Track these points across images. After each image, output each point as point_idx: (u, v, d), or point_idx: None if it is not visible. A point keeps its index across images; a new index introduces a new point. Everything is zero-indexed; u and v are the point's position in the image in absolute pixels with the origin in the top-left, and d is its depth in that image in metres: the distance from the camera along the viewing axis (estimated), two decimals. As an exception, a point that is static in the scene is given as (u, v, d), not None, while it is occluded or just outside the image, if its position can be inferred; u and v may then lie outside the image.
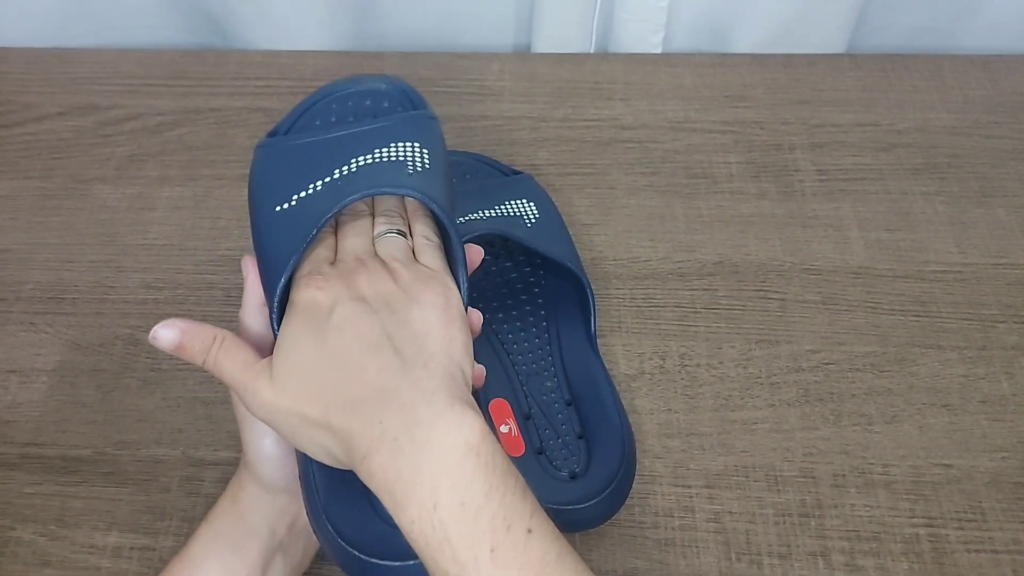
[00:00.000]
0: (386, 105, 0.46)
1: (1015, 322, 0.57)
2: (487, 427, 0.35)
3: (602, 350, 0.55)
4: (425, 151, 0.42)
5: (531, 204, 0.57)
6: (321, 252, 0.40)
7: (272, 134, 0.45)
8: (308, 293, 0.38)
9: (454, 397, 0.35)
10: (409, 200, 0.43)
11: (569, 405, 0.52)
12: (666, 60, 0.73)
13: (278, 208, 0.40)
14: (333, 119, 0.45)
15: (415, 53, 0.74)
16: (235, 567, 0.42)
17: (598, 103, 0.70)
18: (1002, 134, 0.68)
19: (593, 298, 0.53)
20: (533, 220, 0.56)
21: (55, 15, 0.75)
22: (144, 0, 0.75)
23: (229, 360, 0.39)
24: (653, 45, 0.74)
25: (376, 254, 0.40)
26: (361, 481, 0.35)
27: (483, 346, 0.53)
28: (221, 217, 0.63)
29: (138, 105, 0.70)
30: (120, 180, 0.66)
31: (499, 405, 0.52)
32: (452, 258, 0.41)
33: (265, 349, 0.40)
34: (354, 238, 0.41)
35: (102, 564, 0.49)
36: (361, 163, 0.41)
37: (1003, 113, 0.69)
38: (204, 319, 0.58)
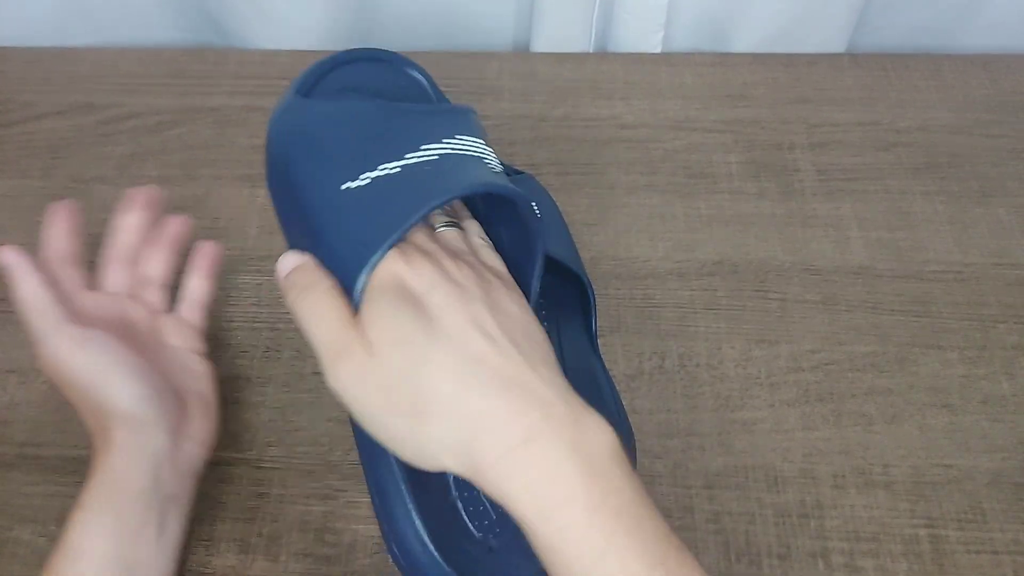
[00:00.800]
0: (418, 82, 0.43)
1: (1015, 322, 0.57)
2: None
3: (601, 350, 0.55)
4: (489, 150, 0.41)
5: (533, 204, 0.57)
6: None
7: (297, 92, 0.41)
8: (397, 268, 0.34)
9: (582, 401, 0.33)
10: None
11: (569, 405, 0.52)
12: (666, 59, 0.73)
13: (344, 186, 0.37)
14: (358, 84, 0.42)
15: (414, 52, 0.73)
16: (129, 537, 0.39)
17: (598, 102, 0.70)
18: (1002, 133, 0.67)
19: (594, 298, 0.53)
20: (533, 220, 0.56)
21: (54, 14, 0.75)
22: (143, -1, 0.75)
23: (326, 308, 0.35)
24: (653, 44, 0.74)
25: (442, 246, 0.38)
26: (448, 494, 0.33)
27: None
28: (220, 217, 0.63)
29: (137, 104, 0.70)
30: (120, 179, 0.66)
31: (499, 405, 0.51)
32: (531, 263, 0.39)
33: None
34: (417, 233, 0.38)
35: (101, 564, 0.49)
36: (439, 151, 0.38)
37: (1003, 112, 0.69)
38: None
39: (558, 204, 0.60)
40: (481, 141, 0.41)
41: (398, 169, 0.37)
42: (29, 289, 0.43)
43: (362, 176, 0.37)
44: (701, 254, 0.61)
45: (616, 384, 0.53)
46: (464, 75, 0.72)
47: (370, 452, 0.38)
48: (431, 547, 0.36)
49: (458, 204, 0.42)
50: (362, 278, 0.35)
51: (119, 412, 0.41)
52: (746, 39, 0.74)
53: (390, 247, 0.35)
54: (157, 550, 0.41)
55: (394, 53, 0.44)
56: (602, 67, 0.73)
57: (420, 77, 0.44)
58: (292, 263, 0.37)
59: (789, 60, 0.73)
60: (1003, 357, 0.56)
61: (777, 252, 0.61)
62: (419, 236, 0.38)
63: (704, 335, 0.57)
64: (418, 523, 0.36)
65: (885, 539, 0.49)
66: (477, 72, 0.72)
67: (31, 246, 0.62)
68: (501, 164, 0.40)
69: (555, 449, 0.31)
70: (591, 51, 0.75)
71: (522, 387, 0.32)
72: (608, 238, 0.62)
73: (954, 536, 0.49)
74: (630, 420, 0.52)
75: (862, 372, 0.55)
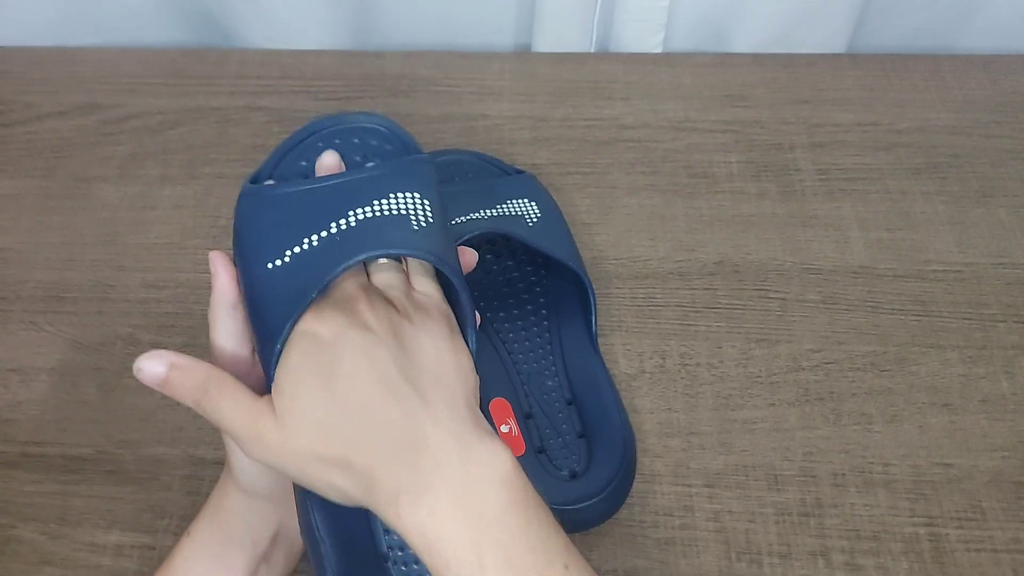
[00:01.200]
0: (374, 143, 0.44)
1: (1015, 321, 0.57)
2: (515, 458, 0.34)
3: (602, 349, 0.55)
4: (426, 201, 0.40)
5: (533, 203, 0.57)
6: None
7: (255, 179, 0.43)
8: (305, 325, 0.36)
9: (481, 430, 0.35)
10: None
11: (570, 404, 0.52)
12: (666, 60, 0.74)
13: (271, 265, 0.39)
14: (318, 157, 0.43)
15: (416, 52, 0.74)
16: None
17: (598, 103, 0.70)
18: (1002, 134, 0.68)
19: (594, 298, 0.53)
20: (535, 219, 0.56)
21: (56, 15, 0.75)
22: (145, 0, 0.75)
23: (229, 404, 0.36)
24: (653, 45, 0.74)
25: (371, 283, 0.39)
26: (370, 538, 0.34)
27: (484, 346, 0.53)
28: (222, 216, 0.63)
29: (139, 104, 0.71)
30: (121, 179, 0.66)
31: (500, 404, 0.52)
32: (461, 316, 0.40)
33: (241, 363, 0.39)
34: (347, 279, 0.39)
35: (103, 563, 0.49)
36: (360, 216, 0.39)
37: (1003, 113, 0.69)
38: (205, 319, 0.58)
39: (559, 204, 0.60)
40: (417, 194, 0.41)
41: (317, 242, 0.39)
42: (221, 306, 0.41)
43: (287, 253, 0.39)
44: (702, 254, 0.61)
45: (617, 383, 0.53)
46: (465, 75, 0.72)
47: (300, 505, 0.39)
48: None
49: None
50: (276, 349, 0.36)
51: (235, 470, 0.42)
52: (746, 40, 0.74)
53: (295, 322, 0.36)
54: None
55: (353, 114, 0.44)
56: (603, 67, 0.73)
57: (383, 128, 0.44)
58: (157, 372, 0.37)
59: (789, 61, 0.73)
60: (1003, 357, 0.56)
61: (778, 252, 0.61)
62: (346, 283, 0.38)
63: (705, 334, 0.57)
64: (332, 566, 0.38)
65: (885, 538, 0.49)
66: (478, 72, 0.72)
67: (32, 245, 0.62)
68: (428, 216, 0.40)
69: (436, 495, 0.33)
70: (592, 51, 0.75)
71: (412, 434, 0.34)
72: (609, 238, 0.62)
73: (954, 535, 0.49)
74: (631, 419, 0.52)
75: (862, 372, 0.55)
